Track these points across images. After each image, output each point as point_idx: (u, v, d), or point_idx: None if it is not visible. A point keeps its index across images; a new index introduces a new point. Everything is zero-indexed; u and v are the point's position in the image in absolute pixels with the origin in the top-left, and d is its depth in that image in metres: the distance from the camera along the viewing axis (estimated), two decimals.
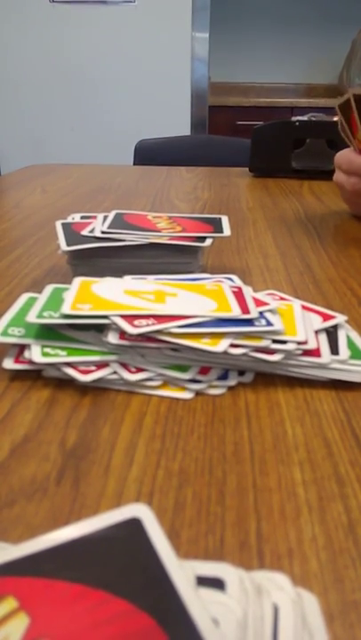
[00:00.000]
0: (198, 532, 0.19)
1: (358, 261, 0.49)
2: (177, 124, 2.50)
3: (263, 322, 0.29)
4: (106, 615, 0.12)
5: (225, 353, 0.27)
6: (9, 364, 0.28)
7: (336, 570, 0.17)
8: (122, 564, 0.13)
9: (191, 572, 0.14)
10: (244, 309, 0.30)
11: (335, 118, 0.96)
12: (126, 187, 0.86)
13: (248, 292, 0.33)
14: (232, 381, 0.28)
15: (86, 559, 0.13)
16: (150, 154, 1.56)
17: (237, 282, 0.36)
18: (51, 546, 0.14)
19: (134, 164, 1.56)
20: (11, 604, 0.13)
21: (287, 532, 0.19)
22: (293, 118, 0.95)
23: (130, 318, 0.28)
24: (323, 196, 0.81)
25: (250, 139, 0.96)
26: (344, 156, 0.61)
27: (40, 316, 0.29)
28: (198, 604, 0.12)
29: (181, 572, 0.13)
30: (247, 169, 1.00)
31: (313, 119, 0.96)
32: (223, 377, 0.28)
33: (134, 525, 0.14)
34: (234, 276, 0.38)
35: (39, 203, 0.74)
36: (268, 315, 0.30)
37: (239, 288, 0.33)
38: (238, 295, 0.32)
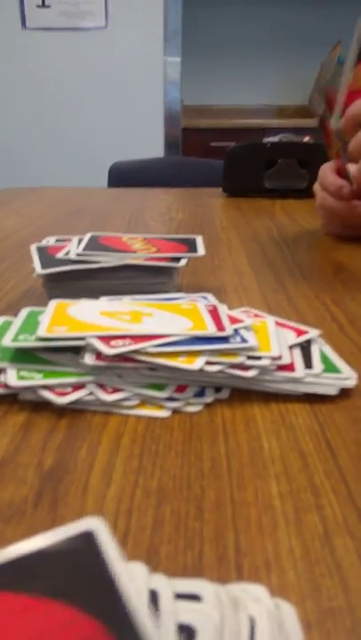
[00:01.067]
0: (177, 548, 0.19)
1: (330, 277, 0.50)
2: (151, 146, 2.54)
3: (238, 339, 0.29)
4: (53, 624, 0.12)
5: (201, 370, 0.27)
6: None
7: (313, 579, 0.18)
8: (72, 575, 0.13)
9: (142, 580, 0.14)
10: (220, 327, 0.30)
11: (306, 139, 0.99)
12: (101, 209, 0.87)
13: (223, 309, 0.33)
14: (209, 398, 0.28)
15: (37, 571, 0.14)
16: (124, 176, 1.57)
17: (212, 300, 0.37)
18: (1, 561, 0.14)
19: (108, 185, 1.58)
20: None
21: (265, 545, 0.19)
22: (265, 140, 0.97)
23: (106, 339, 0.28)
24: (295, 214, 0.83)
25: (223, 160, 0.98)
26: (324, 169, 0.63)
27: (15, 339, 0.29)
28: (144, 608, 0.13)
29: (129, 578, 0.13)
30: (220, 189, 1.01)
31: (284, 140, 0.98)
32: (200, 394, 0.28)
33: (87, 538, 0.14)
34: (209, 295, 0.38)
35: (14, 226, 0.74)
36: (242, 332, 0.30)
37: (214, 306, 0.34)
38: (213, 313, 0.32)
